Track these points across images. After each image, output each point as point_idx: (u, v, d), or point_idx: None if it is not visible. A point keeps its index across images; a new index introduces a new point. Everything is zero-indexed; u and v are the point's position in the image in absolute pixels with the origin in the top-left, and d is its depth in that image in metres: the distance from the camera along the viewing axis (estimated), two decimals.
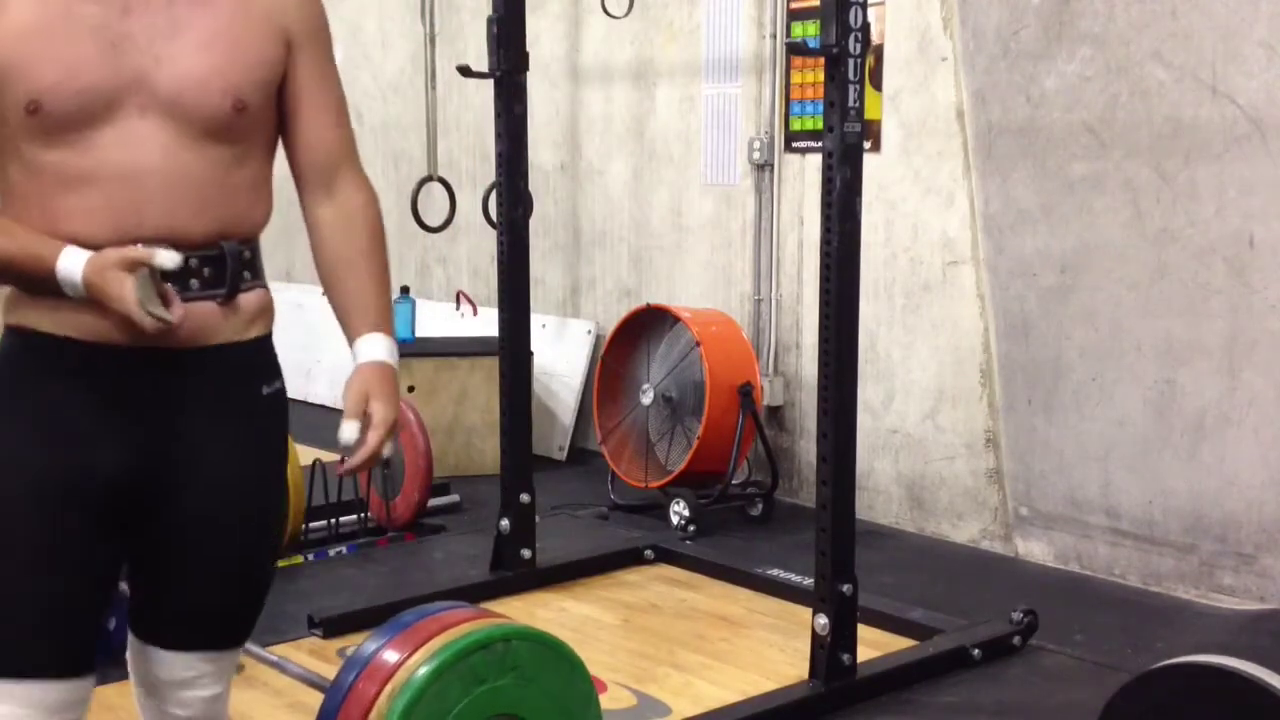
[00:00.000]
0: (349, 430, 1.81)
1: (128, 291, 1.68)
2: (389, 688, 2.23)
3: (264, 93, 1.82)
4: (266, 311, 1.91)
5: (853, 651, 3.33)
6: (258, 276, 1.88)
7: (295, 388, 7.17)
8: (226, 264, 1.80)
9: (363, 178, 1.96)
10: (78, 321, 1.76)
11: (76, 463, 1.79)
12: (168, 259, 1.71)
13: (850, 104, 3.12)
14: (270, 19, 1.83)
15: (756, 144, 5.15)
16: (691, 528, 4.77)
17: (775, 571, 4.14)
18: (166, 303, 1.72)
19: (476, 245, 6.42)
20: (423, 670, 2.22)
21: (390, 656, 2.28)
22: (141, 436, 1.80)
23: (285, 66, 1.85)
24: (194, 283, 1.77)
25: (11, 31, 1.71)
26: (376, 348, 1.88)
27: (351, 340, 1.90)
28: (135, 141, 1.73)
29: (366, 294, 1.90)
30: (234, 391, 1.87)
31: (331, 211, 1.92)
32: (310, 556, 4.43)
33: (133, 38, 1.73)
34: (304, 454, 4.47)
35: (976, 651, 3.55)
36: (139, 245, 1.72)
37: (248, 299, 1.85)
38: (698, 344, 4.87)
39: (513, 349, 4.11)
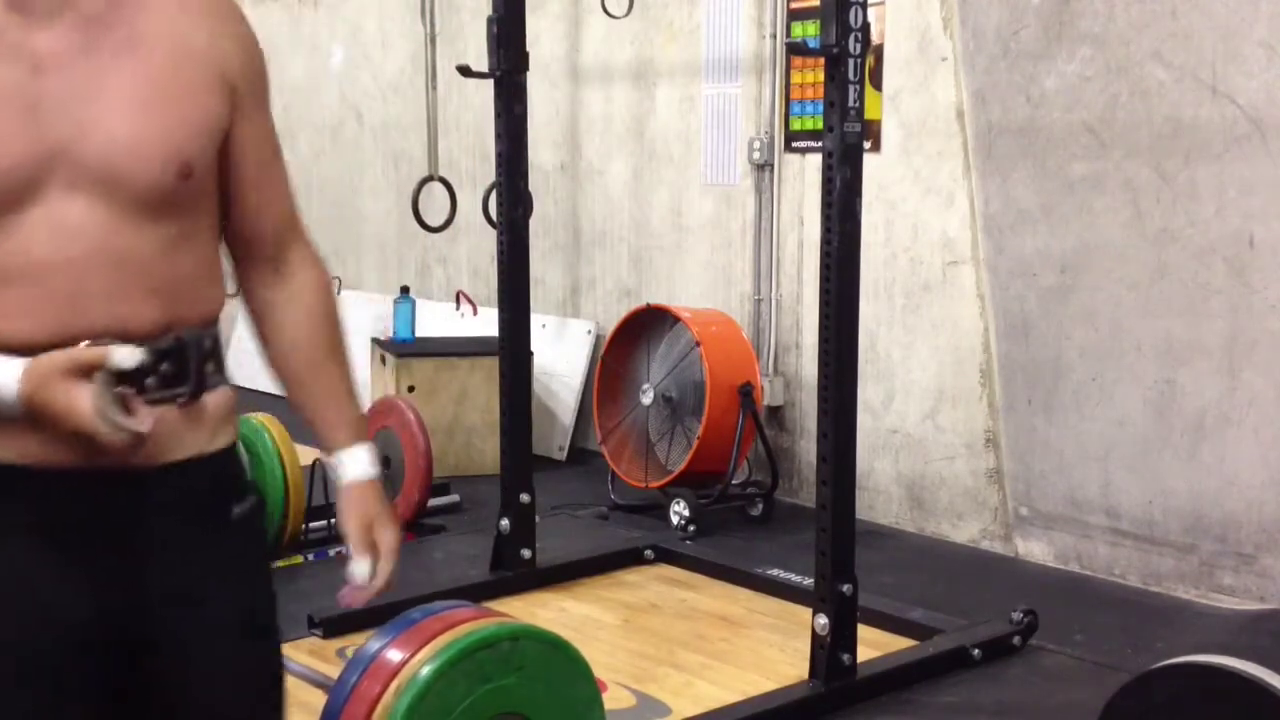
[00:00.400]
0: (363, 568, 1.70)
1: (82, 403, 1.40)
2: (394, 685, 2.23)
3: (209, 154, 1.57)
4: (232, 414, 1.65)
5: (853, 651, 3.33)
6: (221, 371, 1.58)
7: None
8: (188, 356, 1.50)
9: (312, 251, 1.73)
10: (18, 444, 1.48)
11: (32, 626, 1.51)
12: (126, 357, 1.43)
13: (850, 104, 3.12)
14: (210, 65, 1.56)
15: (756, 144, 5.15)
16: (691, 528, 4.77)
17: (775, 571, 4.14)
18: (129, 410, 1.43)
19: (476, 245, 6.42)
20: (428, 668, 2.22)
21: (394, 655, 2.28)
22: (106, 587, 1.53)
23: (228, 123, 1.59)
24: (150, 381, 1.46)
25: None
26: (362, 463, 1.71)
27: (330, 450, 1.73)
28: (66, 224, 1.47)
29: (339, 399, 1.72)
30: (204, 519, 1.60)
31: (284, 295, 1.70)
32: (310, 556, 4.43)
33: (50, 101, 1.46)
34: (304, 454, 4.47)
35: (976, 651, 3.55)
36: (84, 343, 1.45)
37: (213, 400, 1.57)
38: (698, 344, 4.87)
39: (513, 349, 4.11)
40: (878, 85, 4.72)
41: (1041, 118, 4.28)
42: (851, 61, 3.10)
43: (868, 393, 4.66)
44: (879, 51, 4.71)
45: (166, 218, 1.53)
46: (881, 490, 4.93)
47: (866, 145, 3.43)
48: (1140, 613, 4.00)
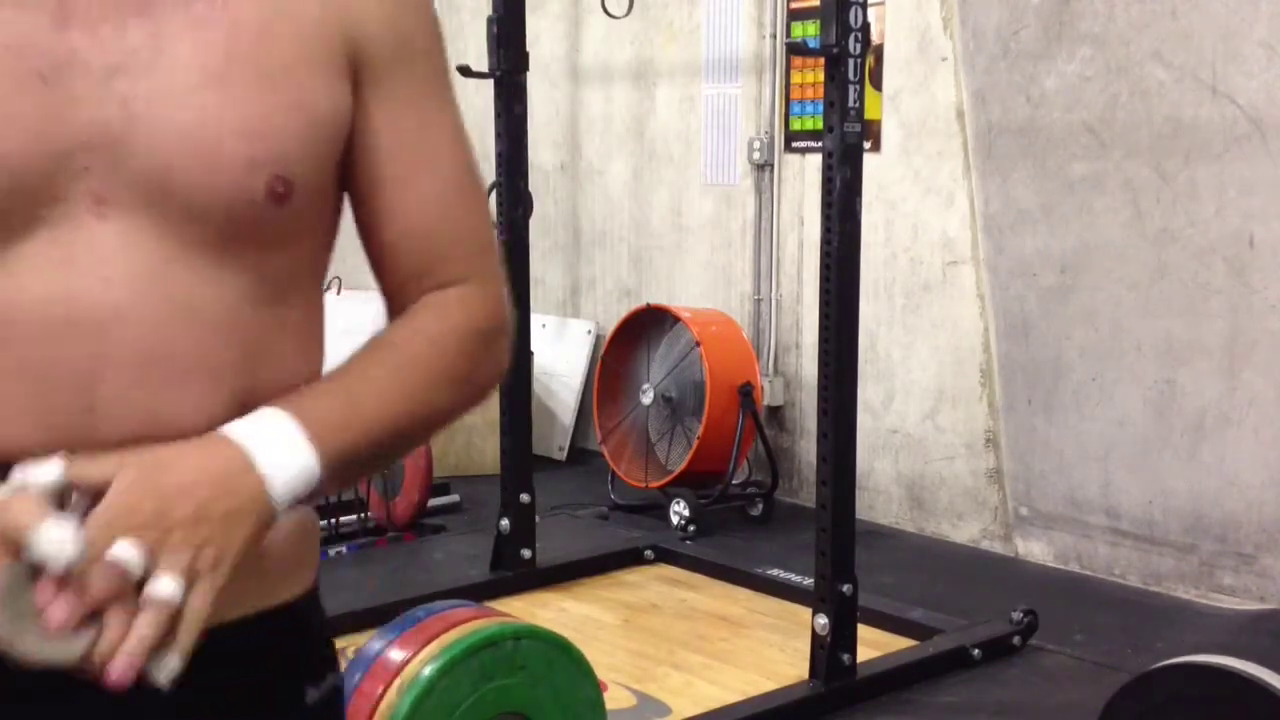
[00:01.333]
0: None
1: None
2: (396, 684, 2.23)
3: (321, 166, 1.01)
4: (314, 544, 1.10)
5: (853, 651, 3.33)
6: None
7: None
8: None
9: (488, 297, 1.10)
10: None
11: None
12: (47, 472, 0.88)
13: (850, 104, 3.12)
14: (325, 27, 0.99)
15: (756, 144, 5.15)
16: (691, 528, 4.77)
17: (775, 571, 4.14)
18: (63, 617, 0.85)
19: None
20: (430, 667, 2.22)
21: (397, 654, 2.28)
22: None
23: (350, 112, 1.02)
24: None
25: None
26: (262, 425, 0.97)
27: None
28: (90, 256, 0.93)
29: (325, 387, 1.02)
30: (262, 712, 1.04)
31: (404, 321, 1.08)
32: None
33: (77, 68, 0.92)
34: None
35: (976, 651, 3.55)
36: (36, 466, 0.89)
37: (280, 525, 0.96)
38: (698, 344, 4.87)
39: (513, 349, 4.11)
40: (878, 85, 4.72)
41: (1041, 118, 4.28)
42: (851, 61, 3.10)
43: (868, 393, 4.66)
44: (879, 51, 4.71)
45: (248, 256, 0.98)
46: (881, 490, 4.93)
47: (866, 145, 3.43)
48: (1140, 613, 4.00)
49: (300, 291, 1.04)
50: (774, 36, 5.09)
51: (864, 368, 4.00)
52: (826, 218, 3.21)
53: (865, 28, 3.10)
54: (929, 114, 4.64)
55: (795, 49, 4.02)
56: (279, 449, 0.93)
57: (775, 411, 5.25)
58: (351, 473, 1.00)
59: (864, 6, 3.09)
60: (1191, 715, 2.42)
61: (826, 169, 3.18)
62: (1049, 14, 4.22)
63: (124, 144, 0.92)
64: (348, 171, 1.04)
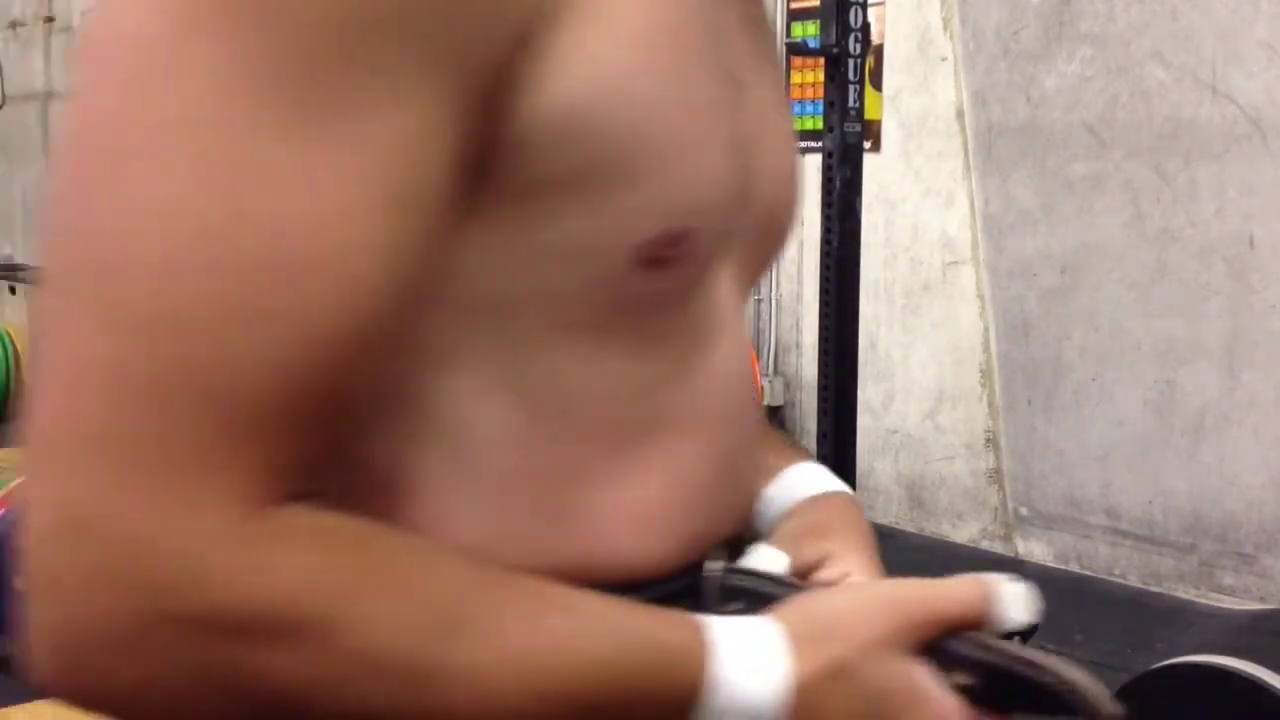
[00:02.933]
0: None
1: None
2: None
3: None
4: None
5: None
6: None
7: None
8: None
9: None
10: None
11: None
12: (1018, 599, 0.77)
13: (850, 104, 3.12)
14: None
15: None
16: None
17: None
18: None
19: None
20: None
21: None
22: None
23: None
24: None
25: (614, 67, 0.62)
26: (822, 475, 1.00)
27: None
28: (724, 316, 0.78)
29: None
30: None
31: None
32: None
33: (746, 129, 0.77)
34: None
35: None
36: (721, 565, 0.76)
37: None
38: None
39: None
40: (878, 85, 4.72)
41: (1041, 118, 4.28)
42: (851, 61, 3.10)
43: (868, 393, 4.66)
44: (879, 51, 4.71)
45: None
46: (881, 490, 4.93)
47: (866, 145, 3.43)
48: (1140, 613, 4.00)
49: None
50: (774, 36, 5.09)
51: (864, 368, 3.99)
52: (826, 218, 3.21)
53: (865, 28, 3.10)
54: (929, 114, 4.64)
55: (795, 49, 4.02)
56: None
57: (775, 411, 5.25)
58: None
59: (864, 6, 3.09)
60: (1191, 715, 2.42)
61: (826, 169, 3.18)
62: (1049, 14, 4.22)
63: (756, 201, 0.80)
64: None
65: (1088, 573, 4.35)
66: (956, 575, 0.81)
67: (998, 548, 4.59)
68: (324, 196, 0.55)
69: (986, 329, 4.56)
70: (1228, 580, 4.03)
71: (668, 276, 0.67)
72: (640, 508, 0.71)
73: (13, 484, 3.42)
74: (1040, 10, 4.24)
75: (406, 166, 0.56)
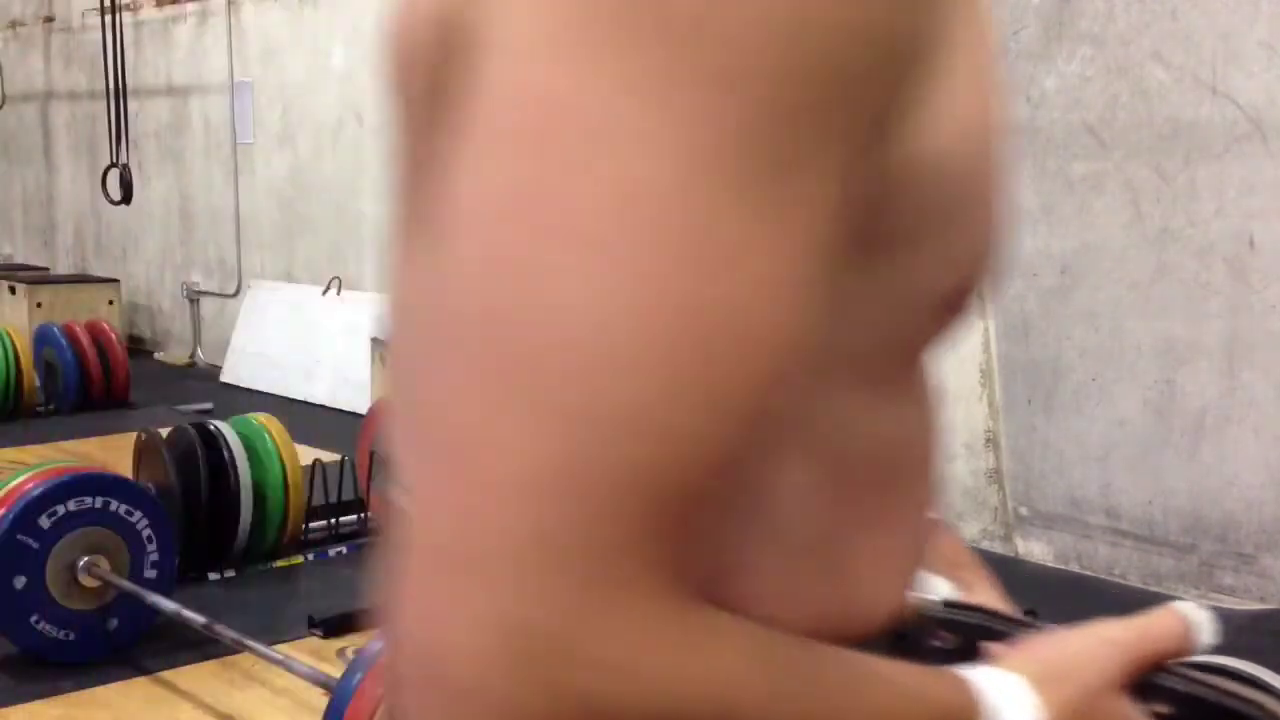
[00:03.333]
0: None
1: None
2: None
3: None
4: None
5: None
6: None
7: (295, 388, 7.17)
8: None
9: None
10: None
11: None
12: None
13: None
14: None
15: None
16: None
17: None
18: None
19: None
20: None
21: None
22: None
23: None
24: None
25: (966, 110, 0.60)
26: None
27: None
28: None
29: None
30: None
31: None
32: (310, 556, 4.44)
33: None
34: (304, 454, 4.47)
35: None
36: (940, 600, 0.78)
37: None
38: None
39: None
40: None
41: (1041, 118, 4.28)
42: None
43: None
44: None
45: None
46: None
47: None
48: (1140, 613, 4.00)
49: None
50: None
51: None
52: None
53: None
54: None
55: None
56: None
57: None
58: None
59: None
60: (1191, 715, 2.42)
61: None
62: (1049, 14, 4.22)
63: None
64: None
65: (1088, 573, 4.36)
66: (1152, 609, 0.81)
67: (998, 547, 4.59)
68: (772, 275, 0.50)
69: (986, 329, 4.56)
70: (1228, 580, 4.03)
71: (952, 324, 0.66)
72: (895, 555, 0.70)
73: (13, 483, 3.42)
74: (1040, 10, 4.24)
75: (825, 233, 0.52)
